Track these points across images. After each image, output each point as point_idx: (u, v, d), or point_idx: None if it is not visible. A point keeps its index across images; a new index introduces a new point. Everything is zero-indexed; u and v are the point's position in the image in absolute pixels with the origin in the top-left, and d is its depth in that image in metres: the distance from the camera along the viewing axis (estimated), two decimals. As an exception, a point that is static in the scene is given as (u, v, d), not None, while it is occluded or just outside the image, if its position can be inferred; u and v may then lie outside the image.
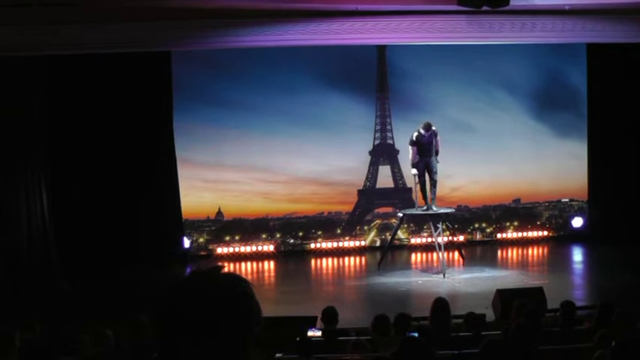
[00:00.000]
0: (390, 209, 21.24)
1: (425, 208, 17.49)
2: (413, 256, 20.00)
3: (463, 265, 18.09)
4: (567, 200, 21.64)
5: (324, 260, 19.93)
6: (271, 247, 20.51)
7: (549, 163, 20.93)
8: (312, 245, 20.78)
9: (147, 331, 8.49)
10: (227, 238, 20.65)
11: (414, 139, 17.09)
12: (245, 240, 20.60)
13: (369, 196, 21.18)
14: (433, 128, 16.97)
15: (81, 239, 17.72)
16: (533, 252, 20.42)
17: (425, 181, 17.53)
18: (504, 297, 11.94)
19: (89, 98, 18.28)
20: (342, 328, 10.48)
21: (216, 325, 2.24)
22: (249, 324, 2.30)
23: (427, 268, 18.33)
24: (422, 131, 16.97)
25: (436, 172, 17.39)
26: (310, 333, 10.06)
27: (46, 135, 17.35)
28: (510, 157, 20.97)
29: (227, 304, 2.27)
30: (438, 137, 17.21)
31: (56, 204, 17.44)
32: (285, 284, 17.67)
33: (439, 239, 17.17)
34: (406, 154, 17.77)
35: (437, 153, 17.27)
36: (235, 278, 2.35)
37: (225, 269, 2.37)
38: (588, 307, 12.44)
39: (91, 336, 8.52)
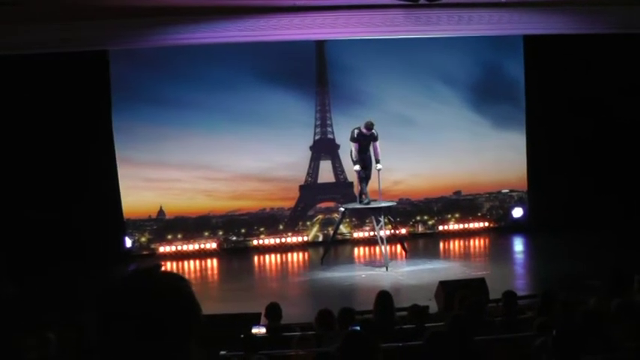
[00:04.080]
0: (332, 204, 21.26)
1: (366, 201, 17.55)
2: (356, 250, 20.07)
3: (406, 257, 18.17)
4: (507, 191, 21.83)
5: (267, 257, 19.92)
6: (214, 245, 20.46)
7: (489, 155, 21.14)
8: (255, 242, 20.75)
9: (89, 333, 8.41)
10: (169, 236, 20.54)
11: (356, 136, 17.14)
12: (187, 238, 20.53)
13: (311, 191, 21.20)
14: (373, 131, 17.06)
15: (20, 241, 17.52)
16: (475, 243, 20.58)
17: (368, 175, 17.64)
18: (447, 288, 12.01)
19: (26, 99, 18.08)
20: (286, 323, 10.47)
21: (156, 325, 2.22)
22: (189, 323, 2.29)
23: (370, 262, 18.38)
24: (364, 130, 17.03)
25: (370, 169, 17.53)
26: (254, 330, 10.04)
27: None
28: (450, 149, 21.07)
29: (167, 304, 2.25)
30: (377, 143, 17.28)
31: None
32: (228, 282, 17.63)
33: (381, 233, 17.24)
34: (347, 149, 17.83)
35: (378, 161, 17.35)
36: (174, 277, 2.34)
37: (164, 268, 2.36)
38: (530, 297, 12.57)
39: (34, 340, 8.43)
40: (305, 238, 20.91)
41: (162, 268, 2.35)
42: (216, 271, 19.19)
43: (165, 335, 2.22)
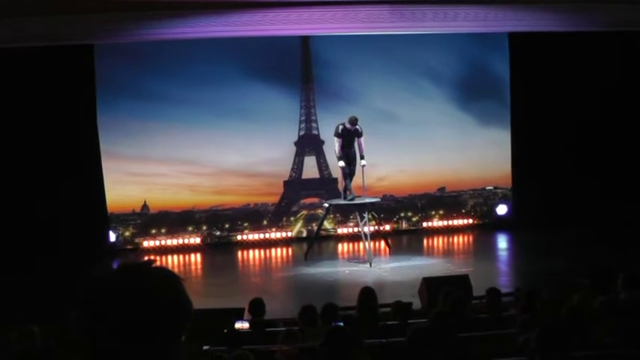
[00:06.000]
0: (316, 200, 21.26)
1: (350, 197, 17.54)
2: (339, 246, 20.06)
3: (389, 254, 18.18)
4: (492, 188, 21.86)
5: (250, 252, 19.90)
6: (197, 240, 20.44)
7: (473, 152, 21.14)
8: (239, 237, 20.73)
9: (75, 329, 8.34)
10: (153, 231, 20.50)
11: (340, 131, 17.13)
12: (171, 233, 20.50)
13: (295, 186, 21.18)
14: (357, 126, 17.05)
15: (2, 236, 17.45)
16: (459, 240, 20.59)
17: (353, 171, 17.64)
18: (431, 285, 12.01)
19: (10, 93, 18.00)
20: (269, 319, 10.46)
21: (148, 322, 2.18)
22: (180, 320, 2.26)
23: (354, 258, 18.40)
24: (347, 125, 17.03)
25: (355, 165, 17.52)
26: (238, 325, 10.03)
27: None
28: (435, 146, 21.10)
29: (159, 300, 2.20)
30: (362, 139, 17.27)
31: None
32: (212, 276, 17.60)
33: (365, 229, 17.24)
34: (331, 145, 17.83)
35: (362, 157, 17.34)
36: (166, 273, 2.28)
37: (155, 264, 2.32)
38: (513, 294, 12.60)
39: (17, 333, 8.38)
40: (289, 234, 20.88)
41: (154, 264, 2.31)
42: (199, 266, 19.15)
43: (156, 335, 2.19)
